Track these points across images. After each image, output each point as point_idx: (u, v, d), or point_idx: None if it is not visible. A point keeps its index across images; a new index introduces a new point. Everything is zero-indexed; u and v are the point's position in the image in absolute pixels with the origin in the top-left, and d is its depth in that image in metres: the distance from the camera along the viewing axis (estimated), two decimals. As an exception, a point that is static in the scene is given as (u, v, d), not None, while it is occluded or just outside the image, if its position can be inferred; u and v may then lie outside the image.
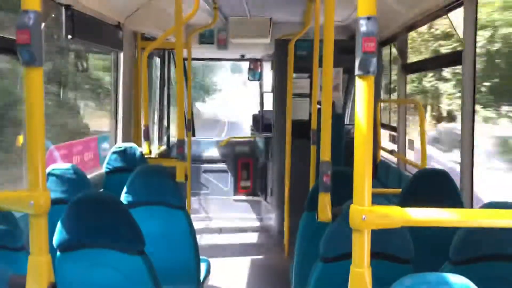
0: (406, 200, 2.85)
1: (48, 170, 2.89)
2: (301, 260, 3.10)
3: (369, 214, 1.28)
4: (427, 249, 2.50)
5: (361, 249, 1.30)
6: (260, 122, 6.89)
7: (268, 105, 7.02)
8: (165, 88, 6.43)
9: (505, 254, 2.01)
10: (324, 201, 2.37)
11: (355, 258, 1.31)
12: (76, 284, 2.14)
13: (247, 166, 6.72)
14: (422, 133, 4.04)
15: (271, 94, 6.36)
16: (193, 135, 7.19)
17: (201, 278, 3.19)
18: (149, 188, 3.01)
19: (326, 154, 2.49)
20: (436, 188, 2.79)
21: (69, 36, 3.47)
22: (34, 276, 1.31)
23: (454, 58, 3.53)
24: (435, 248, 2.55)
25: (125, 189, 3.02)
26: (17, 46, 1.24)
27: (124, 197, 3.01)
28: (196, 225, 3.11)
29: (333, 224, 2.16)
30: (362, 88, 1.26)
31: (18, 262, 2.09)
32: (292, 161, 5.13)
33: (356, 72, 1.26)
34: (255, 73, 7.11)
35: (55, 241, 2.13)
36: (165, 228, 3.01)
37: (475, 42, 3.19)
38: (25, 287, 1.30)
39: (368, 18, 1.23)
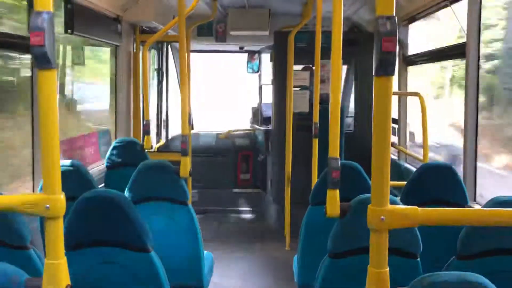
0: (411, 193, 2.86)
1: None
2: (305, 253, 3.10)
3: (388, 214, 1.28)
4: (432, 244, 2.51)
5: (380, 249, 1.29)
6: (259, 115, 6.87)
7: (267, 98, 7.00)
8: (163, 81, 6.38)
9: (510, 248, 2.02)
10: (333, 197, 2.37)
11: (373, 258, 1.30)
12: (84, 283, 2.13)
13: (246, 159, 6.71)
14: (424, 126, 4.04)
15: (270, 87, 6.33)
16: (192, 128, 7.16)
17: (205, 271, 3.19)
18: (154, 184, 3.00)
19: (335, 150, 2.48)
20: (441, 182, 2.80)
21: (69, 31, 3.42)
22: (50, 279, 1.30)
23: (457, 51, 3.52)
24: (441, 243, 2.55)
25: (129, 185, 3.01)
26: (31, 48, 1.22)
27: (127, 193, 3.00)
28: (197, 218, 3.12)
29: (342, 220, 2.15)
30: (381, 88, 1.25)
31: (24, 261, 2.07)
32: (292, 154, 5.12)
33: (375, 72, 1.24)
34: (253, 66, 7.06)
35: None
36: (169, 224, 3.00)
37: (479, 34, 3.18)
38: None
39: (388, 18, 1.21)
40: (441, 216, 1.36)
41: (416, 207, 1.32)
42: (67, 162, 3.06)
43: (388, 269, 1.31)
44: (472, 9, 3.16)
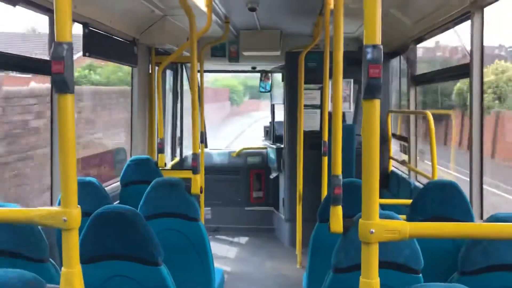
0: (416, 211, 2.91)
1: None
2: (313, 270, 3.16)
3: (377, 227, 1.35)
4: (436, 260, 2.55)
5: (370, 261, 1.37)
6: (271, 133, 6.98)
7: (279, 117, 7.12)
8: (178, 101, 6.56)
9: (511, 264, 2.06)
10: (336, 213, 2.44)
11: (364, 269, 1.38)
12: None
13: (259, 177, 6.80)
14: (432, 144, 4.09)
15: (282, 106, 6.45)
16: (206, 147, 7.29)
17: (215, 287, 3.27)
18: (165, 200, 3.11)
19: (337, 168, 2.56)
20: (445, 199, 2.83)
21: (87, 54, 3.60)
22: (67, 287, 1.41)
23: (461, 71, 3.59)
24: (444, 259, 2.59)
25: (142, 201, 3.12)
26: (52, 75, 1.35)
27: (141, 209, 3.11)
28: (210, 235, 3.21)
29: (345, 236, 2.22)
30: (369, 111, 1.34)
31: (43, 273, 2.18)
32: (304, 172, 5.19)
33: (363, 96, 1.34)
34: (266, 85, 7.22)
35: None
36: (181, 239, 3.10)
37: (482, 54, 3.25)
38: None
39: (374, 46, 1.31)
40: (430, 230, 1.43)
41: (405, 221, 1.40)
42: (85, 179, 3.21)
43: (378, 279, 1.39)
44: (475, 30, 3.24)
